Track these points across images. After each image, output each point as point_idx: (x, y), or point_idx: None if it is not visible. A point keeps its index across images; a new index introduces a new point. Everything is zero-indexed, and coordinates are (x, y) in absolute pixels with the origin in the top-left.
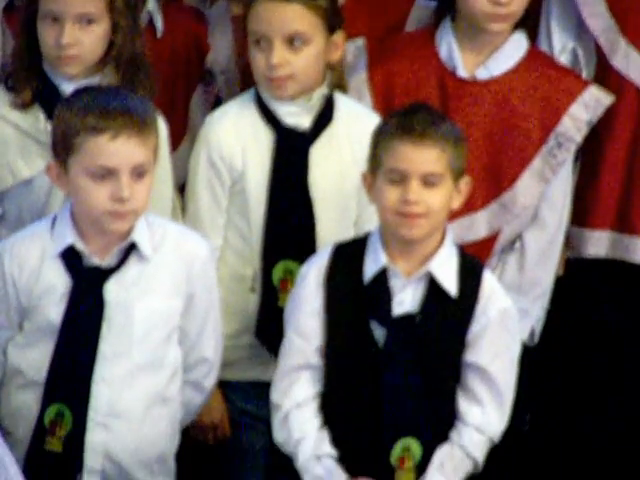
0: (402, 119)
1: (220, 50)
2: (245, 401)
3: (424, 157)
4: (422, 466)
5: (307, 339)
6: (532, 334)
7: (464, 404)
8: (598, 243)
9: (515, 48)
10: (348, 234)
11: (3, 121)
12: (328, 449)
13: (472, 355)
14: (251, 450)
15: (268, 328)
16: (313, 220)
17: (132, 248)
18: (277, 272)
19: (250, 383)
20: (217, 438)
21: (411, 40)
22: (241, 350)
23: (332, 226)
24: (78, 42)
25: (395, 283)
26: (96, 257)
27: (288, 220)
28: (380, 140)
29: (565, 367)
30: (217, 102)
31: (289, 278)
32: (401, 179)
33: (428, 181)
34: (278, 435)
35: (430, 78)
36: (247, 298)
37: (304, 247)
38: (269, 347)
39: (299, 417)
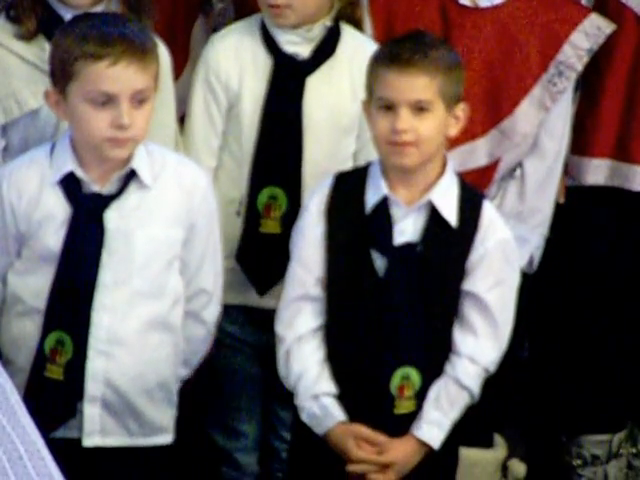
0: (392, 47)
1: None
2: (228, 324)
3: (411, 84)
4: (422, 395)
5: (308, 269)
6: (531, 261)
7: (459, 334)
8: (597, 171)
9: None
10: (342, 167)
11: (7, 51)
12: (326, 387)
13: (469, 284)
14: (240, 374)
15: (249, 253)
16: (301, 149)
17: (132, 176)
18: (262, 197)
19: (235, 307)
20: None
21: None
22: (227, 273)
23: (321, 156)
24: None
25: (396, 212)
26: (96, 185)
27: (277, 146)
28: (372, 68)
29: (565, 294)
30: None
31: (272, 204)
32: (390, 107)
33: (417, 108)
34: (281, 370)
35: (432, 5)
36: (233, 222)
37: (290, 174)
38: (248, 273)
39: (300, 353)
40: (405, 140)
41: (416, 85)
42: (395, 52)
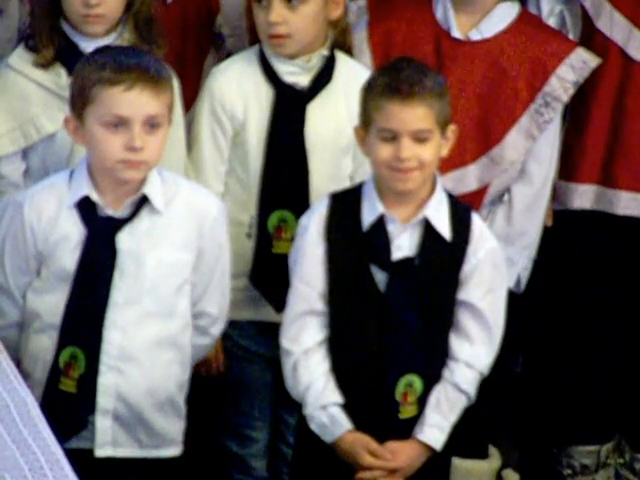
0: (389, 78)
1: (230, 10)
2: (242, 338)
3: (413, 115)
4: (423, 399)
5: (311, 286)
6: (518, 282)
7: (455, 341)
8: (584, 196)
9: (506, 11)
10: (342, 186)
11: (26, 79)
12: (333, 397)
13: (463, 293)
14: (253, 384)
15: (262, 273)
16: (307, 172)
17: (144, 201)
18: (272, 220)
19: (247, 322)
20: (210, 373)
21: (410, 0)
22: (238, 291)
23: (325, 179)
24: (103, 1)
25: (392, 229)
26: (110, 208)
27: (284, 172)
28: (369, 98)
29: (556, 312)
30: None
31: (283, 226)
32: (393, 137)
33: (418, 137)
34: (288, 381)
35: (426, 38)
36: (244, 243)
37: (298, 197)
38: (263, 291)
39: (307, 365)
40: (409, 167)
41: (417, 115)
42: (394, 84)
